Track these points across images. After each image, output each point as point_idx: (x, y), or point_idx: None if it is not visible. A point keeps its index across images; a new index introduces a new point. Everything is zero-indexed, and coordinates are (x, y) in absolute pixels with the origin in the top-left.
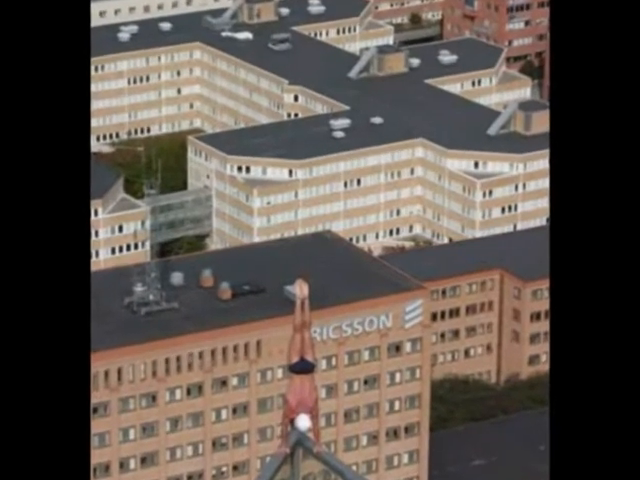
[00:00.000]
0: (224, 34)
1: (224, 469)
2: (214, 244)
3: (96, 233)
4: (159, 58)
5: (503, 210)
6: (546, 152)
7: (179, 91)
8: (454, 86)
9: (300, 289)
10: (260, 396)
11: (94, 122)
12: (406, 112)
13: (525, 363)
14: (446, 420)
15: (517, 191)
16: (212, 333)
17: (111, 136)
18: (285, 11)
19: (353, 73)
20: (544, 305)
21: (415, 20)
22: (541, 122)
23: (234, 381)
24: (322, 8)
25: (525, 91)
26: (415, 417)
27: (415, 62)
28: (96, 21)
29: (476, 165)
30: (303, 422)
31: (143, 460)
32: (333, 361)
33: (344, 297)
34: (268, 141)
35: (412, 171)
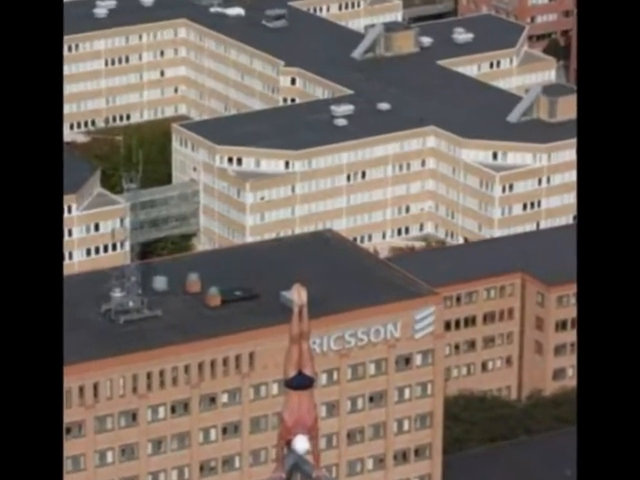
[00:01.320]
0: (213, 10)
1: None
2: (202, 244)
3: (69, 232)
4: (140, 37)
5: (525, 206)
6: (573, 141)
7: (162, 73)
8: (470, 68)
9: (298, 295)
10: (253, 414)
11: (67, 108)
12: (416, 97)
13: (549, 378)
14: (461, 441)
15: (540, 185)
16: (199, 344)
17: (86, 124)
18: None
19: (357, 53)
20: (571, 313)
21: None
22: (567, 108)
23: (224, 398)
24: None
25: (549, 73)
26: (426, 438)
27: (427, 41)
28: None
29: (495, 156)
30: (301, 444)
31: None
32: (335, 375)
33: (347, 304)
34: (262, 129)
35: (423, 163)
